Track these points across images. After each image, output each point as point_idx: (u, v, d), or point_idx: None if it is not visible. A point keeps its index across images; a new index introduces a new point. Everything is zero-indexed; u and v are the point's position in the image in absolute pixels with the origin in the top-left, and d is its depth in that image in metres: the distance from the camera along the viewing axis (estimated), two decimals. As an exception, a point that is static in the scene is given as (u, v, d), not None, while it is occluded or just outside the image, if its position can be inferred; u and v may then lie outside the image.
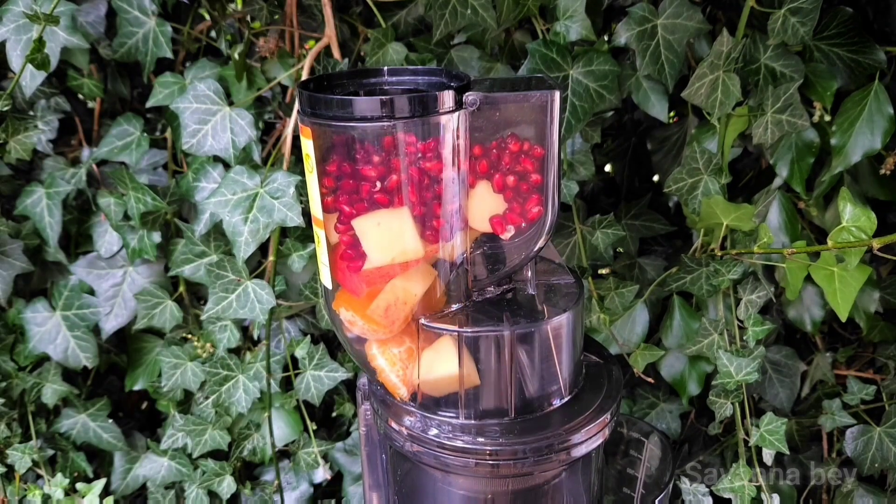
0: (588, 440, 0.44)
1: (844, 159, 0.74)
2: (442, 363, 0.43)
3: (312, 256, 0.78)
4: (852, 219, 0.59)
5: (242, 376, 0.81)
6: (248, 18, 0.85)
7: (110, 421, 0.91)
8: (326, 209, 0.42)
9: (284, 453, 0.91)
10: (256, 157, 0.77)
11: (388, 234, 0.41)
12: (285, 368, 0.83)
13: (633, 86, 0.75)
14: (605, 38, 0.80)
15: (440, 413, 0.44)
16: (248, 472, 0.93)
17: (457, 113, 0.40)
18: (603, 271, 0.94)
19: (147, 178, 0.85)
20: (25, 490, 0.90)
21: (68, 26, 0.75)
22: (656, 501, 0.53)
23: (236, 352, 0.84)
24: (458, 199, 0.42)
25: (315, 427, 0.89)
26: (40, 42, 0.69)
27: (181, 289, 0.86)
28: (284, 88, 0.82)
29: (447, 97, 0.39)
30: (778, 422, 0.73)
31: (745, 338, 0.76)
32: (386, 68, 0.46)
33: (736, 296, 0.78)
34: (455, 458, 0.43)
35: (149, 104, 0.80)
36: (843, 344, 0.95)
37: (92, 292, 0.86)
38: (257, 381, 0.80)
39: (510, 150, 0.42)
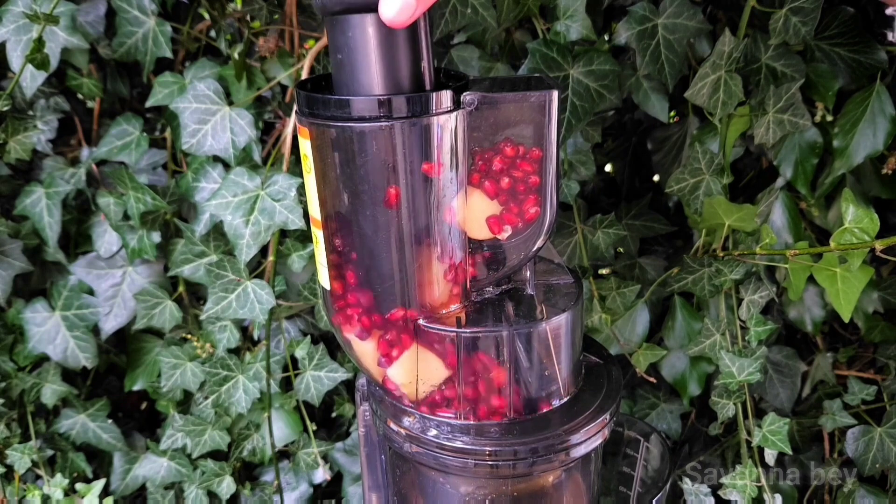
0: (587, 440, 0.44)
1: (847, 161, 0.74)
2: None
3: (312, 257, 0.78)
4: (855, 220, 0.59)
5: (242, 376, 0.81)
6: (248, 18, 0.85)
7: (110, 421, 0.91)
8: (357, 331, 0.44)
9: (284, 454, 0.91)
10: (256, 156, 0.77)
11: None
12: (285, 369, 0.83)
13: (634, 85, 0.75)
14: (606, 37, 0.80)
15: (439, 413, 0.44)
16: (247, 473, 0.93)
17: (455, 113, 0.39)
18: (604, 271, 0.94)
19: (147, 178, 0.84)
20: (25, 490, 0.90)
21: (68, 26, 0.75)
22: (654, 501, 0.53)
23: (236, 352, 0.84)
24: (456, 200, 0.41)
25: (315, 427, 0.89)
26: (40, 42, 0.69)
27: (181, 289, 0.86)
28: (284, 88, 0.82)
29: (445, 97, 0.39)
30: (780, 422, 0.73)
31: (746, 338, 0.76)
32: (385, 68, 0.45)
33: (738, 296, 0.78)
34: (454, 459, 0.43)
35: (148, 104, 0.80)
36: (843, 344, 0.95)
37: (91, 292, 0.86)
38: (257, 382, 0.80)
39: (506, 152, 0.42)
